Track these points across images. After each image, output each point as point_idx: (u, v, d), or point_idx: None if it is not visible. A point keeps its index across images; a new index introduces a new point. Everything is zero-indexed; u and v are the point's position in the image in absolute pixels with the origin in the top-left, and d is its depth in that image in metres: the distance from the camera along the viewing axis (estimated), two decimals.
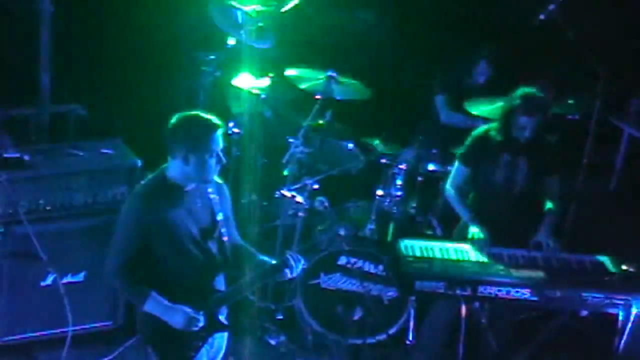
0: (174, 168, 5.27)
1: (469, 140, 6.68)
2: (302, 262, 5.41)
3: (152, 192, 5.26)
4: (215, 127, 5.24)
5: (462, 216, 6.63)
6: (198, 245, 5.35)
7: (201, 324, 5.29)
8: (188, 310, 5.26)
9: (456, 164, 6.72)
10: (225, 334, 5.60)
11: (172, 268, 5.31)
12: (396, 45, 9.01)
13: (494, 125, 6.63)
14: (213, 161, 5.23)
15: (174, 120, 5.27)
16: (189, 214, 5.32)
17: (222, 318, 5.45)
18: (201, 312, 5.29)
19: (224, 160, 5.29)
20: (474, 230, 6.48)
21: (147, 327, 5.42)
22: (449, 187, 6.73)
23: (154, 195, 5.24)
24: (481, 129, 6.74)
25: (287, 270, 5.35)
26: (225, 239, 5.44)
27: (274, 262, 5.41)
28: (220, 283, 5.50)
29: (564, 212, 7.57)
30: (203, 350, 5.43)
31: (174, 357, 5.42)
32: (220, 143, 5.25)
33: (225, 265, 5.47)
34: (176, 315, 5.25)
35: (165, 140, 5.27)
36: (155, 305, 5.26)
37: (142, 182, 5.40)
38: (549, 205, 6.64)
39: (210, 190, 5.39)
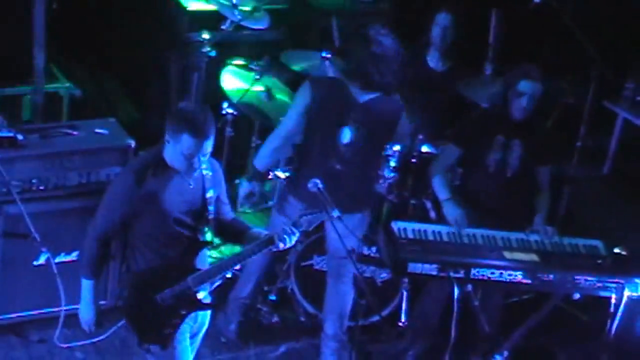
0: (165, 149, 5.26)
1: (464, 121, 6.66)
2: (297, 234, 5.37)
3: (145, 168, 5.24)
4: (186, 129, 5.10)
5: (439, 195, 6.62)
6: (185, 228, 5.35)
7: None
8: (88, 315, 5.53)
9: (448, 145, 6.70)
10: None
11: (155, 248, 5.32)
12: (394, 26, 8.98)
13: (490, 106, 6.62)
14: (185, 159, 5.17)
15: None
16: (180, 195, 5.31)
17: (203, 296, 5.43)
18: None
19: (196, 167, 5.21)
20: (448, 210, 6.49)
21: (124, 301, 5.47)
22: (435, 167, 6.72)
23: (147, 172, 5.22)
24: (477, 109, 6.72)
25: (280, 243, 5.33)
26: (211, 217, 5.42)
27: (266, 234, 5.41)
28: (202, 262, 5.49)
29: (558, 196, 7.57)
30: (185, 326, 5.45)
31: (149, 332, 5.42)
32: (193, 149, 5.13)
33: (210, 244, 5.49)
34: (83, 311, 5.53)
35: None
36: (84, 290, 5.48)
37: (138, 156, 5.38)
38: (540, 194, 6.64)
39: (204, 166, 5.36)
